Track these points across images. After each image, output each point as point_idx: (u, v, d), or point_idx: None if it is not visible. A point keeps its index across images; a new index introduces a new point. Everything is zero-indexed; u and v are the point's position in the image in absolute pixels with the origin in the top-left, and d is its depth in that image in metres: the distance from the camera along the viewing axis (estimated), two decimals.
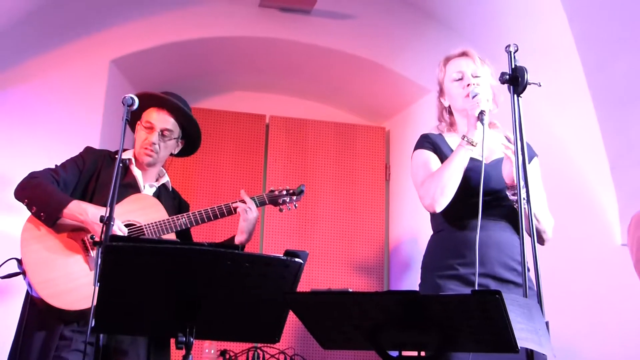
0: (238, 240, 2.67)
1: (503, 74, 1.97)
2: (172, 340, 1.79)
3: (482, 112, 2.21)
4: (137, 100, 2.35)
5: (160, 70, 4.06)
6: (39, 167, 2.61)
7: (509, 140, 2.21)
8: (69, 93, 3.68)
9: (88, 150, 2.71)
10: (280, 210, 2.79)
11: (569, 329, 3.17)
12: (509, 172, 2.20)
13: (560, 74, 3.53)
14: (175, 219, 2.61)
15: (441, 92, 2.53)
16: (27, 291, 2.46)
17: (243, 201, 2.69)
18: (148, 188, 2.71)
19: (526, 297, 1.79)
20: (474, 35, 3.92)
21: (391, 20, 4.10)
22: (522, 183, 1.88)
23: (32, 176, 2.55)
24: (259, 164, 4.32)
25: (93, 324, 1.82)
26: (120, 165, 2.24)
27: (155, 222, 2.57)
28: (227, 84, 4.45)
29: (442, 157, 2.39)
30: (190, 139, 2.83)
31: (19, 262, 2.45)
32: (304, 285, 3.08)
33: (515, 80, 1.95)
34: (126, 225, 2.53)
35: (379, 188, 4.43)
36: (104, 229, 2.12)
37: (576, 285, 3.58)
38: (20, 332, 2.41)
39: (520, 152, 1.90)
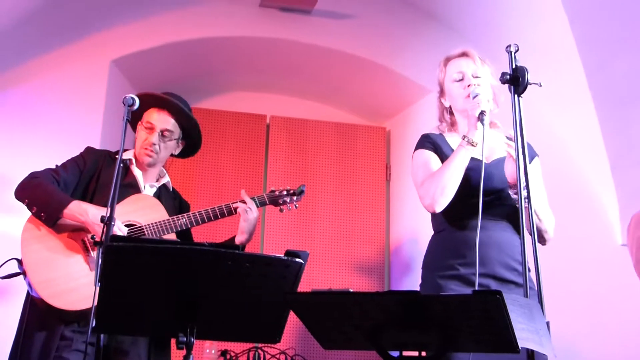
0: (238, 240, 2.67)
1: (504, 74, 1.97)
2: (173, 341, 1.79)
3: (482, 113, 2.22)
4: (137, 101, 2.35)
5: (161, 70, 4.06)
6: (40, 167, 2.61)
7: (510, 140, 2.21)
8: (70, 93, 3.69)
9: (88, 150, 2.71)
10: (281, 210, 2.79)
11: (569, 329, 3.16)
12: (511, 171, 2.19)
13: (560, 74, 3.53)
14: (175, 219, 2.61)
15: (442, 93, 2.53)
16: (28, 291, 2.46)
17: (243, 201, 2.69)
18: (148, 188, 2.71)
19: (527, 297, 1.79)
20: (475, 35, 3.92)
21: (391, 20, 4.10)
22: (522, 183, 1.88)
23: (33, 176, 2.55)
24: (260, 164, 4.32)
25: (94, 324, 1.82)
26: (121, 165, 2.24)
27: (155, 223, 2.57)
28: (228, 84, 4.45)
29: (443, 157, 2.39)
30: (191, 140, 2.83)
31: (19, 262, 2.45)
32: (305, 285, 3.07)
33: (516, 80, 1.95)
34: (126, 226, 2.53)
35: (380, 188, 4.43)
36: (105, 229, 2.12)
37: (576, 285, 3.58)
38: (21, 333, 2.41)
39: (521, 152, 1.90)
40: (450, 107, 2.52)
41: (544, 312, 1.70)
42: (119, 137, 2.28)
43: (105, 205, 2.27)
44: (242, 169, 4.27)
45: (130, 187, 2.65)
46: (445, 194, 2.26)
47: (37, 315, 2.41)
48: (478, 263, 2.03)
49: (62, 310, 2.35)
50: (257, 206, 2.71)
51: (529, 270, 2.04)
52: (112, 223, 2.13)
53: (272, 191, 2.80)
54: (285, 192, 2.78)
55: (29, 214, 2.50)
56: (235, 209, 2.67)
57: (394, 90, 4.25)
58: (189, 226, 2.63)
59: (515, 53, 1.99)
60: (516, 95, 1.95)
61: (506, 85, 1.98)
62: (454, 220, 2.34)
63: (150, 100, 2.69)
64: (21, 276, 2.46)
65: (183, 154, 2.86)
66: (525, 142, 1.96)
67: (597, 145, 3.57)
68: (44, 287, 2.37)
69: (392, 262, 4.31)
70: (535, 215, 2.17)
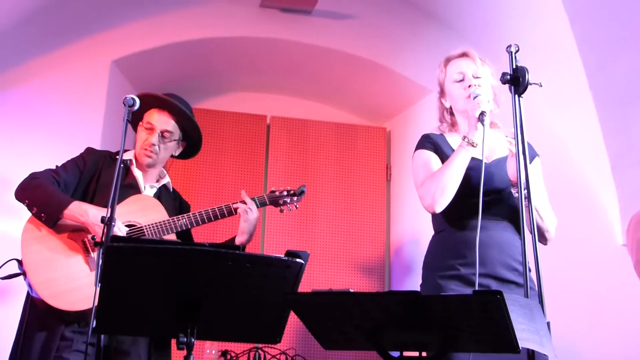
0: (239, 240, 2.67)
1: (504, 74, 1.97)
2: (173, 341, 1.79)
3: (482, 113, 2.21)
4: (138, 101, 2.35)
5: (162, 70, 4.06)
6: (40, 168, 2.61)
7: (512, 139, 2.21)
8: (70, 93, 3.68)
9: (89, 150, 2.71)
10: (281, 210, 2.79)
11: (569, 329, 3.16)
12: (514, 170, 2.18)
13: (561, 74, 3.53)
14: (175, 219, 2.61)
15: (442, 93, 2.53)
16: (28, 292, 2.46)
17: (244, 202, 2.68)
18: (149, 189, 2.71)
19: (527, 297, 1.79)
20: (475, 35, 3.92)
21: (392, 21, 4.11)
22: (523, 183, 1.88)
23: (33, 177, 2.55)
24: (260, 164, 4.32)
25: (94, 325, 1.82)
26: (121, 166, 2.25)
27: (155, 223, 2.57)
28: (228, 84, 4.45)
29: (443, 158, 2.39)
30: (191, 141, 2.83)
31: (20, 262, 2.45)
32: (305, 285, 3.08)
33: (517, 81, 1.95)
34: (127, 226, 2.53)
35: (380, 188, 4.43)
36: (105, 229, 2.12)
37: (577, 285, 3.57)
38: (21, 333, 2.41)
39: (521, 152, 1.90)
40: (450, 108, 2.52)
41: (544, 312, 1.70)
42: (120, 137, 2.28)
43: (105, 206, 2.27)
44: (243, 170, 4.27)
45: (130, 188, 2.65)
46: (445, 194, 2.26)
47: (37, 315, 2.41)
48: (478, 263, 2.03)
49: (62, 310, 2.35)
50: (258, 206, 2.71)
51: (530, 270, 2.04)
52: (113, 223, 2.13)
53: (273, 191, 2.80)
54: (285, 193, 2.78)
55: (29, 214, 2.50)
56: (236, 209, 2.67)
57: (394, 91, 4.25)
58: (189, 227, 2.63)
59: (515, 53, 1.99)
60: (516, 96, 1.95)
61: (506, 86, 1.98)
62: (455, 220, 2.34)
63: (150, 101, 2.69)
64: (21, 277, 2.46)
65: (183, 155, 2.86)
66: (525, 142, 1.96)
67: (597, 145, 3.57)
68: (44, 288, 2.37)
69: (392, 262, 4.31)
70: (536, 214, 2.17)
